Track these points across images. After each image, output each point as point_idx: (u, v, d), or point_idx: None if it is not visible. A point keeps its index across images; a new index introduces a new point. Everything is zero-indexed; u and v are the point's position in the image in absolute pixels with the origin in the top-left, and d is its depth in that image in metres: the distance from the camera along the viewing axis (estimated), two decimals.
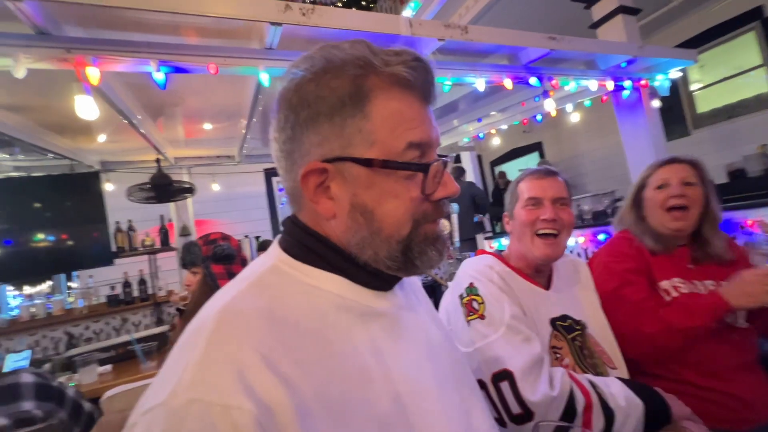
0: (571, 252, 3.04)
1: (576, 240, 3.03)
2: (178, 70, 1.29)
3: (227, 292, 0.43)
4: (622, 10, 2.52)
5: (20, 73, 1.10)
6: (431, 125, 0.47)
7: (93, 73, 1.15)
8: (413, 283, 0.62)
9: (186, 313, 1.34)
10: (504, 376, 0.80)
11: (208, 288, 1.30)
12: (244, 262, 1.38)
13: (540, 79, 1.93)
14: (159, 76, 1.23)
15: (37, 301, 3.12)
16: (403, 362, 0.46)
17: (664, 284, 1.09)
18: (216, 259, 1.33)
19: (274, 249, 0.50)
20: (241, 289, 0.42)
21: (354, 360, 0.42)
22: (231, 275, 1.33)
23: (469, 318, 0.89)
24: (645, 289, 1.08)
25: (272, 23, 1.22)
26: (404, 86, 0.45)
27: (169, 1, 1.08)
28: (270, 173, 4.80)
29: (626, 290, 1.07)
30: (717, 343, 1.00)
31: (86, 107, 1.23)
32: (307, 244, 0.47)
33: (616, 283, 1.09)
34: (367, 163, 0.43)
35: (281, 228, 0.53)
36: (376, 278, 0.48)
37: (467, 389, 0.55)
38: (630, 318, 1.02)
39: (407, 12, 3.96)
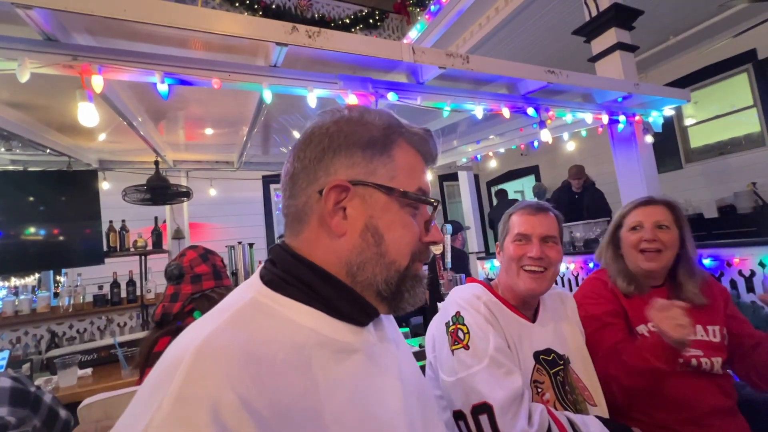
0: (561, 278, 3.08)
1: (567, 266, 3.06)
2: (183, 82, 1.31)
3: (206, 325, 0.43)
4: (620, 46, 2.61)
5: (24, 76, 1.11)
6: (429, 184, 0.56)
7: (97, 82, 1.17)
8: (388, 317, 0.63)
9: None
10: (484, 409, 0.81)
11: None
12: (195, 279, 1.30)
13: (537, 110, 1.97)
14: (163, 87, 1.25)
15: (22, 297, 3.07)
16: (376, 398, 0.47)
17: (640, 329, 1.10)
18: (168, 279, 1.31)
19: (255, 281, 0.50)
20: (219, 322, 0.43)
21: (326, 399, 0.43)
22: (174, 297, 1.28)
23: (454, 347, 0.90)
24: (622, 331, 1.09)
25: (278, 44, 1.24)
26: (417, 148, 0.54)
27: (179, 17, 1.11)
28: (268, 180, 4.81)
29: (605, 333, 1.08)
30: (695, 389, 1.01)
31: (88, 114, 1.24)
32: (292, 272, 0.49)
33: (595, 326, 1.10)
34: (389, 190, 0.50)
35: (269, 254, 0.54)
36: (358, 309, 0.50)
37: (432, 426, 0.57)
38: (603, 361, 1.03)
39: (413, 32, 4.05)
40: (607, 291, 1.16)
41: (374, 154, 0.50)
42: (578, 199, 4.17)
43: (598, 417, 0.89)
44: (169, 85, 1.28)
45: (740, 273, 2.17)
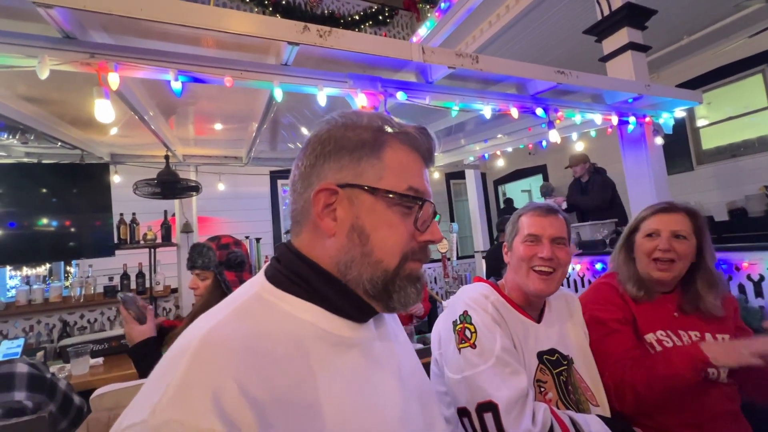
0: (567, 279, 3.07)
1: (573, 267, 3.05)
2: (196, 80, 1.33)
3: (212, 318, 0.45)
4: (632, 46, 2.58)
5: (44, 73, 1.13)
6: (428, 182, 0.56)
7: (113, 79, 1.19)
8: (391, 314, 0.65)
9: (190, 316, 1.34)
10: (489, 407, 0.82)
11: (220, 294, 1.28)
12: (251, 270, 1.37)
13: (546, 110, 1.97)
14: (176, 85, 1.27)
15: (35, 286, 3.14)
16: (373, 393, 0.49)
17: (649, 337, 1.10)
18: (229, 266, 1.32)
19: (259, 278, 0.53)
20: (224, 315, 0.46)
21: (323, 389, 0.45)
22: (242, 282, 1.32)
23: (461, 346, 0.91)
24: (630, 339, 1.08)
25: (290, 43, 1.26)
26: (411, 146, 0.54)
27: (194, 16, 1.13)
28: (275, 176, 4.84)
29: (612, 339, 1.07)
30: (701, 394, 1.01)
31: (104, 111, 1.26)
32: (295, 270, 0.51)
33: (602, 332, 1.09)
34: (373, 191, 0.50)
35: (275, 252, 0.57)
36: (355, 307, 0.51)
37: (431, 424, 0.58)
38: (614, 367, 1.03)
39: (423, 30, 4.04)
40: (618, 297, 1.15)
41: (363, 156, 0.51)
42: (586, 188, 3.96)
43: (599, 416, 0.90)
44: (182, 82, 1.30)
45: (749, 277, 2.15)
